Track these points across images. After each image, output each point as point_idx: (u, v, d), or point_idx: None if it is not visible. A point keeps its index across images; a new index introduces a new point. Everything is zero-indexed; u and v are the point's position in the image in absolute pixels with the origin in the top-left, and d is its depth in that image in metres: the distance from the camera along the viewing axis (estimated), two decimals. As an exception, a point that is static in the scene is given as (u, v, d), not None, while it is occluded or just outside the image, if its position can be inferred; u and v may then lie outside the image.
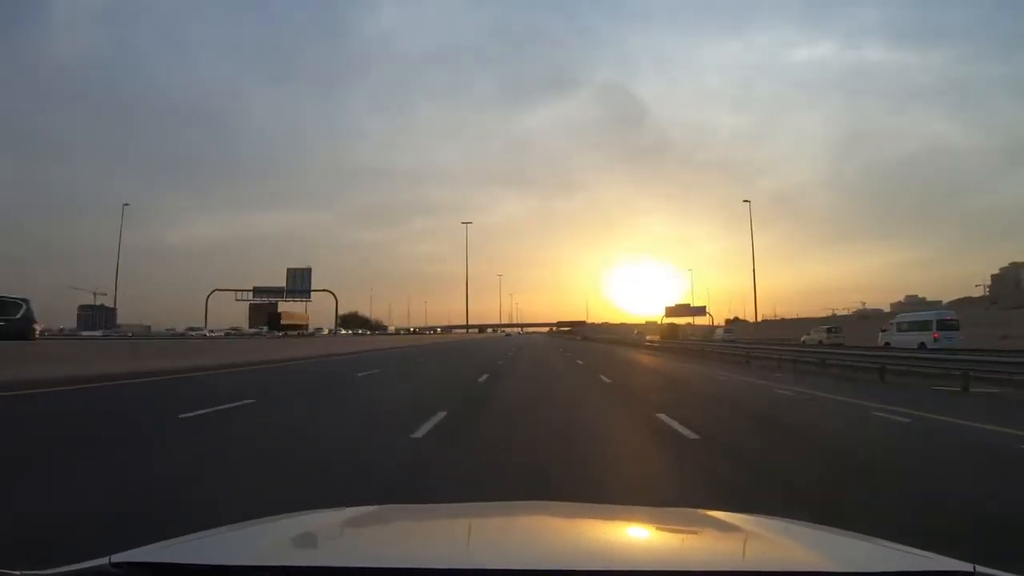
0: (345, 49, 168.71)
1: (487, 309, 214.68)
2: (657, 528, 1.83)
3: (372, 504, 2.21)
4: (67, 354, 15.77)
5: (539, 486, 4.88)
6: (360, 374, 17.32)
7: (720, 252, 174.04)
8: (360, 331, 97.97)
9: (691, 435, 7.31)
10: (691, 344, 40.98)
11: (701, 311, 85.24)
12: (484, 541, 1.69)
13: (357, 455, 6.24)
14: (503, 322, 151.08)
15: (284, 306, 78.62)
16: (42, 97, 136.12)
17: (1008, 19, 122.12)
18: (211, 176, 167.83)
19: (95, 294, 77.94)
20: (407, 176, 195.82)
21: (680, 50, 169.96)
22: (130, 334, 60.38)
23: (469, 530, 1.80)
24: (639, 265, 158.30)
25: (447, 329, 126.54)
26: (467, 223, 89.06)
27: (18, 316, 18.55)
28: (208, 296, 66.56)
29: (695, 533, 1.77)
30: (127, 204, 63.42)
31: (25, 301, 19.31)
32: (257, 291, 67.17)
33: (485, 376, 16.89)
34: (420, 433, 7.26)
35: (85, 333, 63.24)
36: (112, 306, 70.23)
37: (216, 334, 60.86)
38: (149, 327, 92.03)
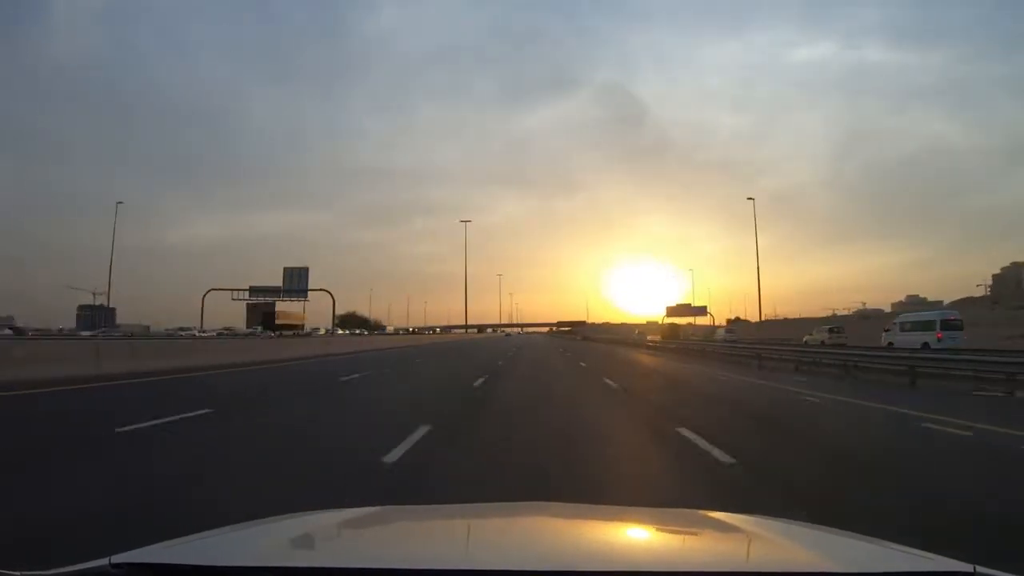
0: (345, 49, 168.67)
1: (487, 309, 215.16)
2: (657, 529, 1.83)
3: (372, 505, 2.22)
4: (14, 356, 14.30)
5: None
6: (345, 378, 16.07)
7: (720, 252, 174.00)
8: (358, 331, 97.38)
9: (725, 458, 6.00)
10: (694, 344, 40.25)
11: (702, 311, 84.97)
12: (484, 542, 1.69)
13: (302, 491, 4.63)
14: (503, 322, 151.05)
15: (281, 306, 78.40)
16: (42, 97, 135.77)
17: (1008, 19, 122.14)
18: (211, 176, 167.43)
19: (94, 294, 77.72)
20: (407, 176, 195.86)
21: (680, 50, 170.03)
22: (119, 335, 59.19)
23: (469, 531, 1.81)
24: (639, 265, 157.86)
25: (446, 329, 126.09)
26: (466, 221, 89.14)
27: None
28: (204, 296, 66.82)
29: (695, 534, 1.77)
30: (120, 202, 63.47)
31: None
32: (254, 290, 66.60)
33: (481, 379, 15.63)
34: (392, 456, 5.89)
35: (86, 333, 62.79)
36: (108, 305, 69.82)
37: (208, 334, 60.05)
38: (148, 327, 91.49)
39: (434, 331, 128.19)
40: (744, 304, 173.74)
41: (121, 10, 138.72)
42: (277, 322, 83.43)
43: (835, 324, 46.50)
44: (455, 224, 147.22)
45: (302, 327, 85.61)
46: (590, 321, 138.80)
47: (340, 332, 76.18)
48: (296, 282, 64.63)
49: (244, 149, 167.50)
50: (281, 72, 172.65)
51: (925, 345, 24.70)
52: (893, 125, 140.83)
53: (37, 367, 13.24)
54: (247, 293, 65.88)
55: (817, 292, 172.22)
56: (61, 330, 75.12)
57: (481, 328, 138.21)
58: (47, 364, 13.71)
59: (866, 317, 62.32)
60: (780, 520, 1.86)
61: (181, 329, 72.24)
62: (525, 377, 18.25)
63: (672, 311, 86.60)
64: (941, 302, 68.50)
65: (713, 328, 72.78)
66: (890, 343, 27.81)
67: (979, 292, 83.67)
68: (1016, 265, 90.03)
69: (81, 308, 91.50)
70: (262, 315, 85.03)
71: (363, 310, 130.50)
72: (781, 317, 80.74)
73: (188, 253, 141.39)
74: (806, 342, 39.71)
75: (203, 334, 60.03)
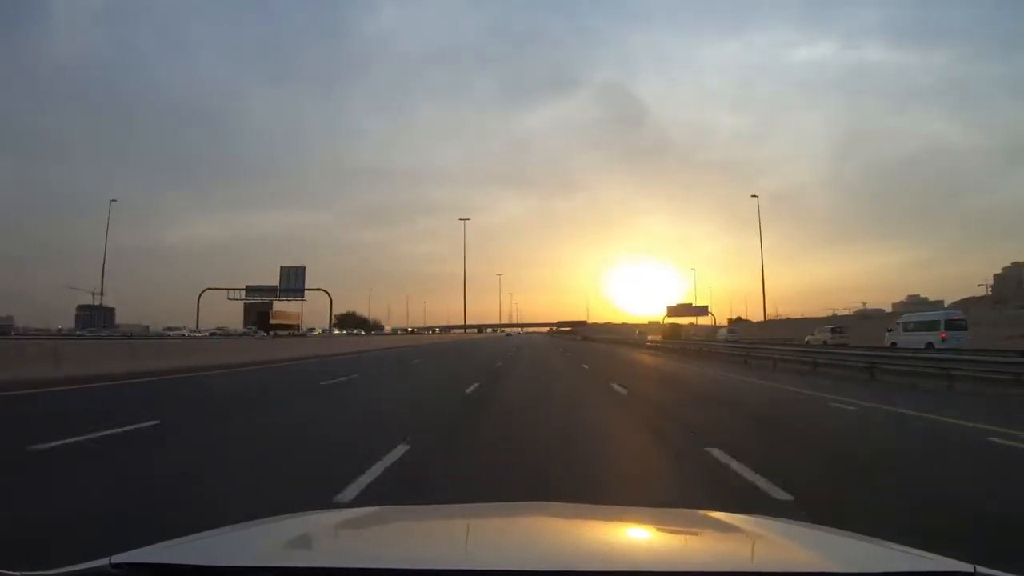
0: (345, 49, 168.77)
1: (487, 309, 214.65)
2: (657, 529, 1.82)
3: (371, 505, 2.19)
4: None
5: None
6: (327, 382, 14.79)
7: (720, 252, 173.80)
8: (355, 331, 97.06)
9: (779, 493, 4.68)
10: (697, 345, 39.50)
11: (703, 311, 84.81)
12: (484, 542, 1.69)
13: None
14: (503, 322, 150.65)
15: (278, 305, 77.52)
16: (42, 97, 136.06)
17: (1008, 19, 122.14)
18: (211, 176, 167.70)
19: (93, 294, 77.45)
20: (407, 176, 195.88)
21: (680, 50, 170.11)
22: (102, 335, 58.73)
23: (469, 531, 1.80)
24: (639, 265, 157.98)
25: (446, 329, 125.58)
26: (465, 219, 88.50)
27: None
28: (200, 295, 66.26)
29: (695, 534, 1.77)
30: (114, 200, 62.57)
31: None
32: (250, 290, 64.67)
33: (475, 385, 14.10)
34: (348, 494, 4.55)
35: (87, 333, 62.55)
36: (101, 304, 68.88)
37: (201, 334, 59.45)
38: (148, 327, 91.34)
39: (433, 331, 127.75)
40: (745, 304, 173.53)
41: (121, 10, 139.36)
42: (272, 322, 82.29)
43: (837, 324, 46.19)
44: (455, 224, 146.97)
45: (298, 327, 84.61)
46: (590, 321, 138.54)
47: (336, 332, 75.66)
48: (293, 281, 62.47)
49: (244, 149, 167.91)
50: (281, 72, 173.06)
51: (929, 345, 24.57)
52: (893, 125, 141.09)
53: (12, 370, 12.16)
54: (243, 293, 64.77)
55: (817, 292, 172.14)
56: (60, 330, 75.03)
57: (481, 328, 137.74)
58: (29, 366, 12.80)
59: (866, 317, 62.15)
60: (780, 520, 1.84)
61: (169, 329, 71.78)
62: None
63: (673, 311, 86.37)
64: (942, 302, 68.37)
65: (715, 328, 72.80)
66: (893, 343, 27.64)
67: (980, 292, 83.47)
68: (1017, 265, 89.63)
69: (80, 308, 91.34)
70: (256, 315, 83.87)
71: (362, 310, 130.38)
72: (783, 317, 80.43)
73: (188, 253, 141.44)
74: (808, 342, 39.67)
75: (195, 334, 59.48)
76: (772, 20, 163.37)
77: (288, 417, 9.29)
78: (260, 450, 6.62)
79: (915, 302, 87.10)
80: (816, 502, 4.47)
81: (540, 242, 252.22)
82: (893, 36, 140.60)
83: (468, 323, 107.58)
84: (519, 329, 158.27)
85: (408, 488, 4.87)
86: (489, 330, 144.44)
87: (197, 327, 68.17)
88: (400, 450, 6.11)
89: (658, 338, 61.07)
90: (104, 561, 1.20)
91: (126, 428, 7.38)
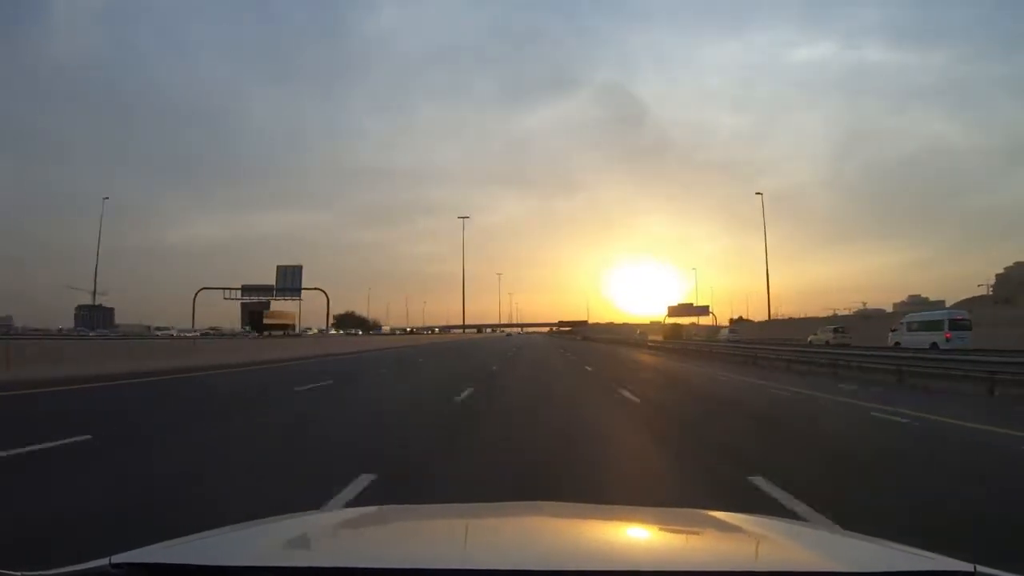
0: (345, 49, 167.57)
1: (487, 309, 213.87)
2: (658, 528, 1.81)
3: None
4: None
5: None
6: (303, 387, 13.24)
7: (720, 252, 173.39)
8: (353, 331, 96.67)
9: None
10: (702, 345, 38.58)
11: (704, 311, 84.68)
12: (484, 541, 1.68)
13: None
14: (503, 322, 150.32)
15: (275, 305, 77.02)
16: (42, 97, 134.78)
17: (1008, 19, 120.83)
18: (211, 176, 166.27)
19: (96, 294, 77.35)
20: (407, 176, 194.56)
21: (680, 50, 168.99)
22: (94, 335, 58.26)
23: (469, 531, 1.79)
24: (640, 265, 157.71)
25: (445, 329, 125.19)
26: (464, 217, 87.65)
27: None
28: (196, 295, 65.84)
29: (696, 533, 1.75)
30: (106, 198, 62.62)
31: None
32: (246, 289, 64.75)
33: (468, 391, 12.42)
34: None
35: (91, 333, 62.36)
36: (95, 303, 68.40)
37: (191, 334, 58.80)
38: (149, 327, 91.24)
39: (432, 331, 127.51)
40: (746, 304, 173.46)
41: (121, 10, 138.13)
42: (266, 322, 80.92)
43: (839, 324, 45.89)
44: (455, 224, 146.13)
45: (292, 327, 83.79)
46: (591, 321, 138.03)
47: (333, 332, 74.95)
48: (290, 281, 62.25)
49: (244, 149, 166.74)
50: (281, 72, 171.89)
51: (934, 345, 24.41)
52: (893, 125, 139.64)
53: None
54: (240, 292, 63.90)
55: (817, 292, 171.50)
56: (61, 330, 74.83)
57: (480, 328, 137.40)
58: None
59: (867, 317, 61.76)
60: (781, 520, 1.82)
61: (159, 329, 71.38)
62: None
63: (674, 311, 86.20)
64: (943, 302, 67.95)
65: (716, 328, 72.66)
66: (897, 343, 27.51)
67: (980, 292, 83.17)
68: (1020, 265, 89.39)
69: (79, 308, 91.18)
70: (250, 315, 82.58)
71: (362, 310, 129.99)
72: (786, 317, 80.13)
73: (188, 253, 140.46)
74: (810, 342, 39.29)
75: (185, 334, 58.94)
76: (772, 20, 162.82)
77: (247, 435, 7.61)
78: (204, 474, 5.35)
79: (916, 302, 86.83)
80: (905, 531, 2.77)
81: (540, 242, 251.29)
82: (893, 36, 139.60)
83: (468, 323, 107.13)
84: (519, 329, 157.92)
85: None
86: (488, 330, 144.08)
87: (193, 327, 68.07)
88: (365, 479, 4.87)
89: (659, 338, 60.80)
90: (104, 561, 1.19)
91: (46, 445, 6.16)
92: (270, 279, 64.72)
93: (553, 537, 1.72)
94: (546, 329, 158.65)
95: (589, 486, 5.08)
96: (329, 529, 1.72)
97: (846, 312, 77.03)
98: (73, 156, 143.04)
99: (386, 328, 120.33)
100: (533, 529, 1.80)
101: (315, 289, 64.76)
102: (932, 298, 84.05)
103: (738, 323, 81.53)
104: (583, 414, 9.87)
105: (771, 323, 62.74)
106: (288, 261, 67.46)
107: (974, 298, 73.37)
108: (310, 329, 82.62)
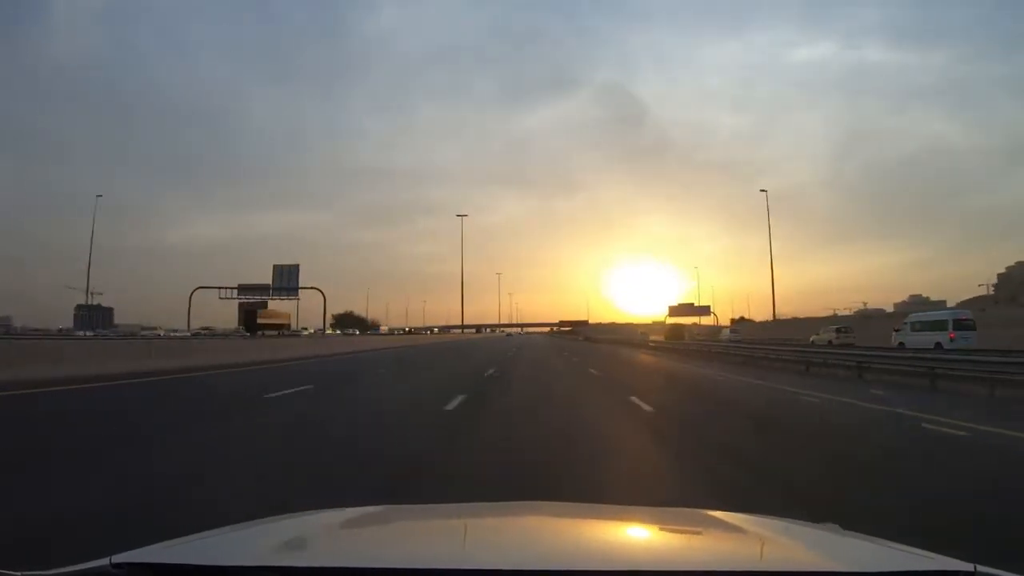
0: (345, 49, 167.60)
1: (487, 309, 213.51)
2: (658, 528, 1.80)
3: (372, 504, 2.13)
4: None
5: None
6: (275, 394, 11.70)
7: (720, 252, 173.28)
8: (349, 331, 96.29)
9: None
10: (705, 346, 37.79)
11: (705, 310, 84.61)
12: (484, 541, 1.67)
13: None
14: (503, 322, 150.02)
15: (273, 305, 76.45)
16: (42, 97, 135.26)
17: (1008, 19, 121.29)
18: (211, 176, 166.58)
19: (92, 294, 77.09)
20: (407, 176, 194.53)
21: (680, 50, 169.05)
22: (84, 335, 57.56)
23: (469, 530, 1.79)
24: (640, 265, 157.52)
25: (445, 329, 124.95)
26: (462, 215, 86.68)
27: None
28: (191, 294, 65.46)
29: (696, 533, 1.74)
30: (100, 195, 62.06)
31: None
32: (243, 288, 65.17)
33: (460, 399, 10.82)
34: None
35: (80, 333, 62.06)
36: (88, 302, 67.76)
37: (180, 334, 57.97)
38: (140, 327, 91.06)
39: (432, 331, 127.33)
40: (747, 304, 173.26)
41: (121, 10, 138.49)
42: (260, 321, 79.43)
43: (842, 324, 45.57)
44: (455, 224, 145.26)
45: (288, 326, 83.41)
46: (592, 321, 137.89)
47: (329, 332, 74.68)
48: (286, 280, 62.67)
49: (244, 149, 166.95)
50: (281, 72, 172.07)
51: (938, 345, 24.21)
52: (893, 125, 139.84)
53: None
54: (236, 292, 64.34)
55: (817, 292, 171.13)
56: (61, 330, 74.71)
57: (479, 328, 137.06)
58: None
59: (867, 317, 61.75)
60: (781, 519, 1.82)
61: (144, 329, 70.79)
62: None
63: (675, 311, 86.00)
64: (944, 302, 67.81)
65: (718, 328, 72.36)
66: (901, 343, 27.27)
67: (981, 292, 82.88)
68: (1021, 264, 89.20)
69: (78, 308, 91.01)
70: (244, 314, 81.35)
71: (361, 310, 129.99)
72: (789, 316, 79.99)
73: (188, 253, 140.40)
74: (813, 342, 39.05)
75: (173, 334, 58.46)
76: (772, 20, 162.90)
77: (174, 463, 5.98)
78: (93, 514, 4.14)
79: (917, 302, 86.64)
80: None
81: (540, 242, 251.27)
82: (893, 36, 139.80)
83: (468, 323, 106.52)
84: (519, 329, 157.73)
85: None
86: (488, 330, 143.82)
87: (188, 327, 67.67)
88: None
89: (660, 339, 60.45)
90: (104, 561, 1.19)
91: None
92: (268, 279, 64.46)
93: (553, 537, 1.71)
94: (546, 329, 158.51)
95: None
96: (329, 529, 1.70)
97: (846, 312, 77.05)
98: (73, 156, 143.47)
99: (384, 328, 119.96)
100: (533, 529, 1.80)
101: (312, 288, 64.88)
102: (934, 298, 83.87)
103: (739, 323, 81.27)
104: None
105: (772, 323, 62.45)
106: (288, 261, 67.05)
107: (976, 298, 73.17)
108: (306, 329, 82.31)
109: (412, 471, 5.63)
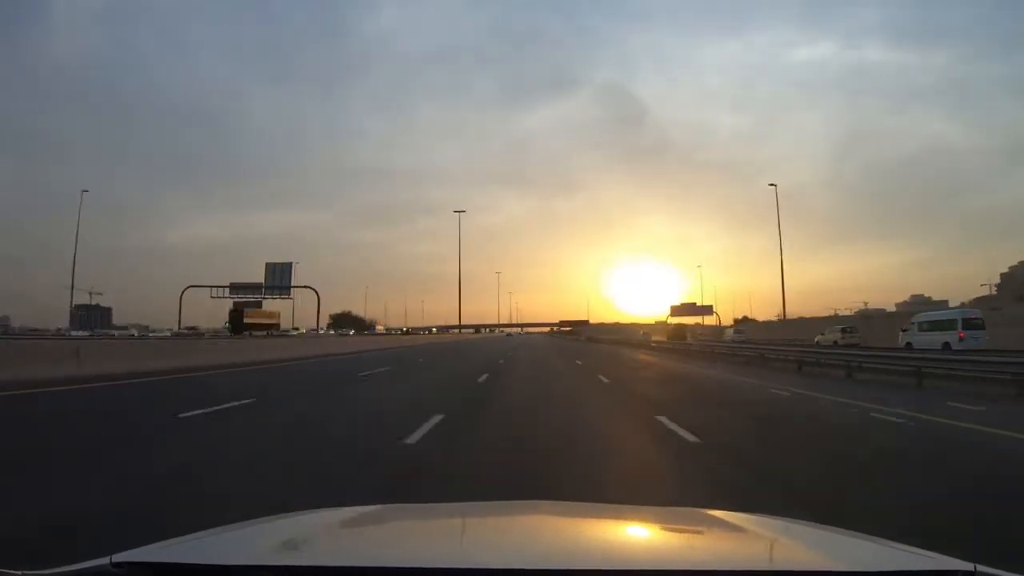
0: (345, 49, 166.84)
1: (486, 309, 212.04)
2: (658, 527, 1.80)
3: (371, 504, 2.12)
4: None
5: None
6: (198, 412, 8.90)
7: (720, 252, 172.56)
8: (344, 331, 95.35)
9: None
10: (709, 346, 37.15)
11: (708, 310, 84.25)
12: (484, 541, 1.67)
13: None
14: (503, 322, 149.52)
15: (268, 304, 74.90)
16: (42, 97, 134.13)
17: (1008, 19, 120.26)
18: (211, 176, 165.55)
19: (91, 294, 76.72)
20: (407, 176, 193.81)
21: (680, 50, 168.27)
22: (84, 335, 56.82)
23: (469, 530, 1.80)
24: (641, 265, 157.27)
25: (444, 329, 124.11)
26: (460, 212, 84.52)
27: None
28: (182, 293, 64.58)
29: (696, 532, 1.73)
30: (86, 190, 60.46)
31: None
32: (235, 287, 64.37)
33: (438, 418, 8.25)
34: None
35: (74, 332, 61.48)
36: (75, 301, 66.96)
37: (162, 334, 56.52)
38: (148, 327, 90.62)
39: (430, 331, 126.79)
40: (748, 303, 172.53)
41: (121, 10, 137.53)
42: (247, 321, 75.95)
43: (848, 324, 45.08)
44: (454, 224, 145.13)
45: (277, 326, 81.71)
46: (592, 321, 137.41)
47: (322, 332, 73.72)
48: (279, 279, 61.85)
49: (244, 149, 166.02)
50: (281, 72, 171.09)
51: (946, 345, 23.96)
52: (893, 125, 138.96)
53: None
54: (227, 290, 63.39)
55: (817, 292, 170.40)
56: (59, 330, 74.23)
57: (478, 328, 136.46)
58: None
59: (868, 317, 61.11)
60: (781, 519, 1.81)
61: (116, 328, 69.79)
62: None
63: (676, 310, 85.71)
64: (946, 302, 67.28)
65: (721, 328, 71.87)
66: (908, 343, 27.00)
67: (983, 292, 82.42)
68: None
69: (76, 308, 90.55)
70: (230, 313, 78.18)
71: (360, 310, 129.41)
72: (795, 316, 79.49)
73: (188, 253, 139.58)
74: (818, 342, 38.62)
75: (153, 334, 57.45)
76: (772, 20, 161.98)
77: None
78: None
79: (919, 301, 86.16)
80: None
81: (540, 242, 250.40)
82: (893, 36, 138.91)
83: (467, 323, 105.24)
84: (519, 329, 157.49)
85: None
86: (487, 330, 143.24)
87: (180, 326, 66.74)
88: None
89: (662, 339, 59.83)
90: (104, 560, 1.19)
91: None
92: (263, 278, 63.41)
93: (553, 537, 1.70)
94: (546, 329, 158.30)
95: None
96: (329, 528, 1.68)
97: (847, 312, 76.43)
98: (73, 156, 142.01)
99: (380, 328, 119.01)
100: (533, 529, 1.79)
101: (305, 287, 63.96)
102: (935, 298, 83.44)
103: (742, 323, 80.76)
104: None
105: (774, 323, 61.94)
106: (287, 261, 65.86)
107: (981, 298, 72.74)
108: (297, 329, 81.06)
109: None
